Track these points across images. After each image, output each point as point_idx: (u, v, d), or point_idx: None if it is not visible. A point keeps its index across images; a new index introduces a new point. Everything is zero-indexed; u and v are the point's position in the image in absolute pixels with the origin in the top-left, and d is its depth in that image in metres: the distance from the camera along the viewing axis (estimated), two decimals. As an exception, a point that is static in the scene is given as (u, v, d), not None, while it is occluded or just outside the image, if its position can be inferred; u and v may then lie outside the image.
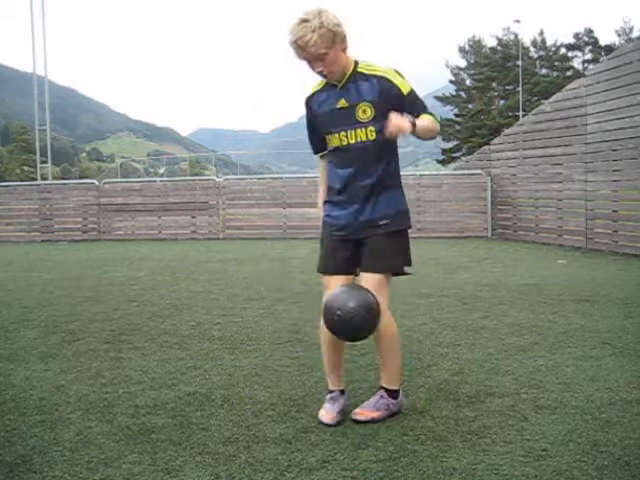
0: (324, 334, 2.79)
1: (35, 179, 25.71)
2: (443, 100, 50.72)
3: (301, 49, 2.55)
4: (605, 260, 8.37)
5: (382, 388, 2.79)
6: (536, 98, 42.59)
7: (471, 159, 14.62)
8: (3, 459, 2.36)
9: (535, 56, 49.33)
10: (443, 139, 50.21)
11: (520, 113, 37.94)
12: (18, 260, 9.82)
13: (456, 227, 12.64)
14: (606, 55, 35.89)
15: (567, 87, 10.40)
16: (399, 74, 2.68)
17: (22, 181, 34.07)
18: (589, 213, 9.61)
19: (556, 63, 49.14)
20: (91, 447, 2.47)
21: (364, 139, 2.67)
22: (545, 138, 10.68)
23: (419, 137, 2.66)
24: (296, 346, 4.00)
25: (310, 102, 2.79)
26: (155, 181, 16.86)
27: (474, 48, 50.07)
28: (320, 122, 2.77)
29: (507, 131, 12.64)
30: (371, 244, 2.73)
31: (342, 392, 2.85)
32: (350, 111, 2.66)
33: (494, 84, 48.38)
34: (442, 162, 49.45)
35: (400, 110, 2.59)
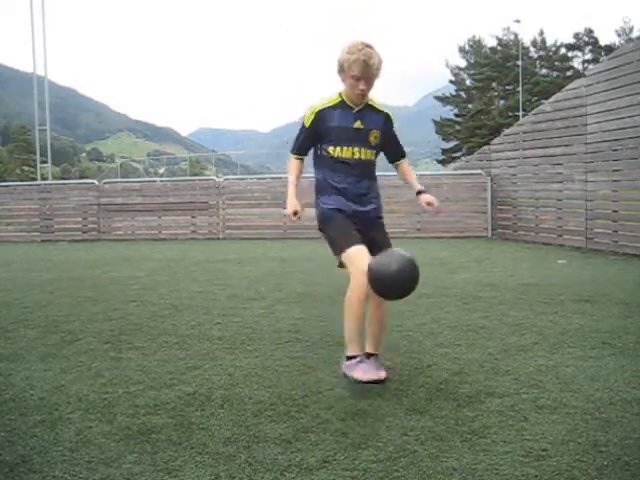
0: (354, 304, 3.10)
1: (35, 179, 25.73)
2: (443, 100, 50.74)
3: (366, 67, 3.06)
4: (605, 260, 8.37)
5: (372, 354, 3.27)
6: (536, 98, 42.62)
7: (471, 159, 14.62)
8: (3, 459, 2.36)
9: (535, 56, 49.36)
10: (443, 139, 50.25)
11: (520, 113, 37.97)
12: (18, 260, 9.82)
13: (456, 227, 12.64)
14: (606, 55, 35.89)
15: (567, 87, 10.40)
16: (393, 118, 3.39)
17: (22, 181, 34.10)
18: (589, 213, 9.61)
19: (556, 63, 49.17)
20: (91, 447, 2.46)
21: (370, 157, 3.31)
22: (545, 138, 10.68)
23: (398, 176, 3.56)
24: (296, 346, 4.00)
25: (323, 115, 3.24)
26: (155, 181, 16.86)
27: (474, 48, 50.09)
28: (332, 134, 3.23)
29: (507, 131, 12.64)
30: (378, 236, 3.29)
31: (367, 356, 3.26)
32: (365, 133, 3.25)
33: (494, 84, 48.40)
34: (442, 162, 49.46)
35: (389, 144, 3.39)
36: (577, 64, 49.40)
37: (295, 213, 3.27)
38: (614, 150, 8.93)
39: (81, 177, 56.63)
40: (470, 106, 48.52)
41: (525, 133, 11.36)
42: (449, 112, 50.63)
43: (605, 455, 2.31)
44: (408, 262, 2.96)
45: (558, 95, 10.65)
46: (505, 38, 49.06)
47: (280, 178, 14.81)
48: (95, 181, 14.98)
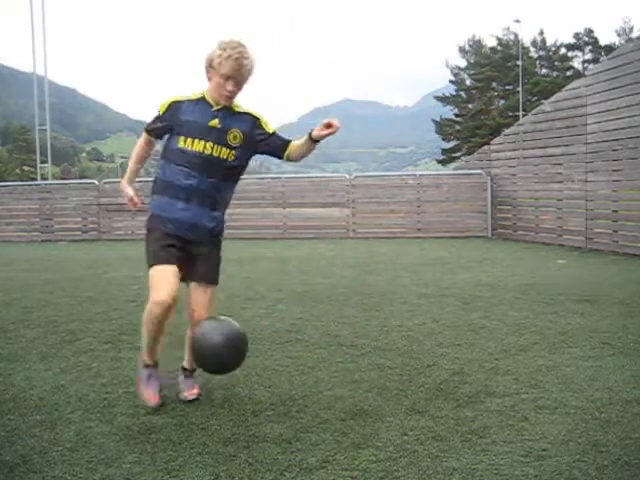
0: (154, 314, 2.83)
1: (35, 179, 25.74)
2: (443, 100, 50.71)
3: (239, 67, 2.81)
4: (605, 260, 8.37)
5: (187, 370, 3.12)
6: (536, 98, 42.61)
7: (471, 159, 14.61)
8: (3, 459, 2.36)
9: (535, 56, 49.35)
10: (443, 139, 50.23)
11: (520, 113, 37.95)
12: (18, 260, 9.82)
13: (456, 227, 12.64)
14: (606, 55, 35.89)
15: (567, 87, 10.40)
16: (265, 119, 3.04)
17: (22, 181, 34.11)
18: (589, 213, 9.61)
19: (556, 63, 49.15)
20: (91, 447, 2.46)
21: (225, 157, 2.93)
22: (545, 138, 10.68)
23: (297, 158, 3.05)
24: (296, 346, 4.00)
25: (178, 106, 2.96)
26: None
27: (474, 48, 50.08)
28: (184, 127, 2.92)
29: (507, 131, 12.64)
30: (207, 255, 2.99)
31: (157, 364, 3.08)
32: (222, 132, 2.92)
33: (494, 84, 48.39)
34: (442, 162, 49.45)
35: (267, 144, 3.01)
36: (577, 64, 49.40)
37: (131, 199, 3.05)
38: (614, 150, 8.93)
39: (81, 177, 56.69)
40: (470, 106, 48.49)
41: (525, 133, 11.36)
42: (449, 112, 50.60)
43: (605, 455, 2.31)
44: (237, 334, 2.80)
45: (558, 95, 10.65)
46: (505, 38, 49.04)
47: (280, 178, 14.80)
48: (95, 181, 14.97)
